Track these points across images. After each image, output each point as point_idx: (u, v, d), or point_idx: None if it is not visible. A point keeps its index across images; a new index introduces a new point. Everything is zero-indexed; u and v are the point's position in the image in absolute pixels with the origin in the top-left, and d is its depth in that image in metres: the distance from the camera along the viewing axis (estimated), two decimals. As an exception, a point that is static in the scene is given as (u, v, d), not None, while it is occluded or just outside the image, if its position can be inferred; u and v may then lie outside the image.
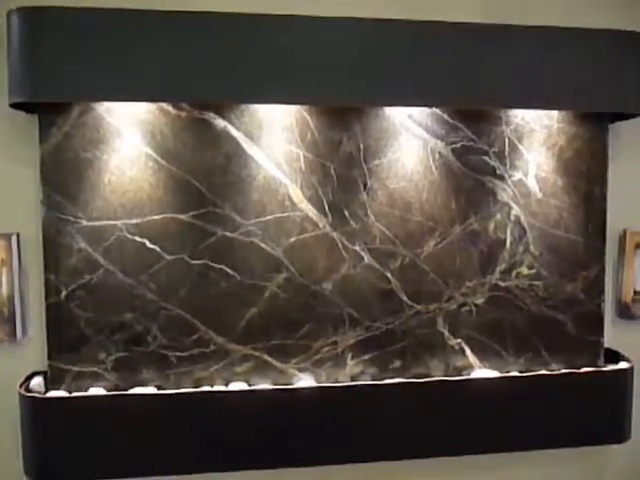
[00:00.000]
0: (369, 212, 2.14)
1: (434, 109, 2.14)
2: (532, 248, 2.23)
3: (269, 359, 2.12)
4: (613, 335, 2.36)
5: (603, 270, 2.28)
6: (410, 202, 2.16)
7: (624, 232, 2.34)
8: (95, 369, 2.04)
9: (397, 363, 2.19)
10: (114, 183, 2.01)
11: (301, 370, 2.14)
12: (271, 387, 2.07)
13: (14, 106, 1.92)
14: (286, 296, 2.11)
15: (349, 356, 2.16)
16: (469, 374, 2.22)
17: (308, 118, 2.09)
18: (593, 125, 2.24)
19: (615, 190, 2.29)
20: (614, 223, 2.31)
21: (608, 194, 2.27)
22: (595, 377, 2.23)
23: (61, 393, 2.00)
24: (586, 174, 2.25)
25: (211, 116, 2.05)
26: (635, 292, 2.35)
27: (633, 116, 2.20)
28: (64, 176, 1.99)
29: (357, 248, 2.14)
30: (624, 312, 2.37)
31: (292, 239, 2.11)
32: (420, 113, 2.14)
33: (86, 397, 1.97)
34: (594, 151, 2.25)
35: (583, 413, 2.21)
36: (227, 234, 2.07)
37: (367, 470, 2.15)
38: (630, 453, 2.39)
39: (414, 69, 2.00)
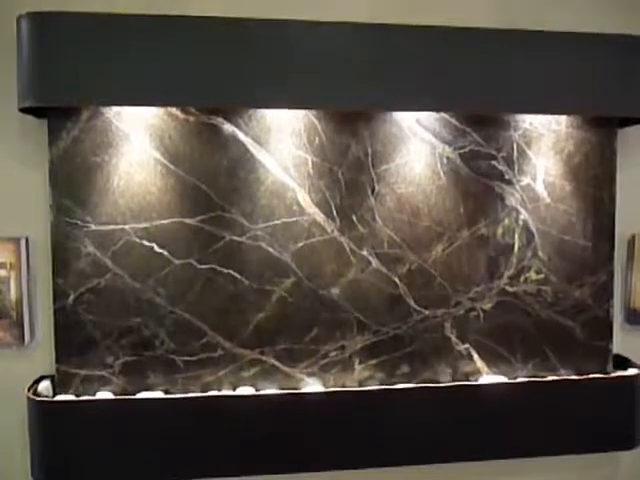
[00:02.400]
0: (377, 217, 2.14)
1: (442, 114, 2.14)
2: (540, 253, 2.22)
3: (277, 364, 2.12)
4: (622, 341, 2.34)
5: (612, 275, 2.27)
6: (418, 207, 2.16)
7: (633, 237, 2.33)
8: (103, 373, 2.04)
9: (405, 368, 2.18)
10: (122, 187, 2.02)
11: (309, 375, 2.13)
12: (279, 392, 2.07)
13: (24, 110, 1.93)
14: (294, 301, 2.11)
15: (357, 361, 2.16)
16: (477, 380, 2.21)
17: (316, 123, 2.09)
18: (602, 130, 2.23)
19: (624, 195, 2.28)
20: (623, 228, 2.30)
21: (617, 199, 2.26)
22: (604, 383, 2.21)
23: (69, 397, 2.00)
24: (594, 179, 2.24)
25: (219, 121, 2.05)
26: (644, 298, 2.35)
27: (642, 121, 2.20)
28: (73, 180, 1.99)
29: (365, 253, 2.14)
30: (633, 318, 2.35)
31: (300, 244, 2.10)
32: (428, 118, 2.14)
33: (94, 401, 1.98)
34: (603, 156, 2.24)
35: (592, 420, 2.19)
36: (235, 238, 2.07)
37: (375, 476, 2.14)
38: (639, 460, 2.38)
39: (423, 74, 1.99)
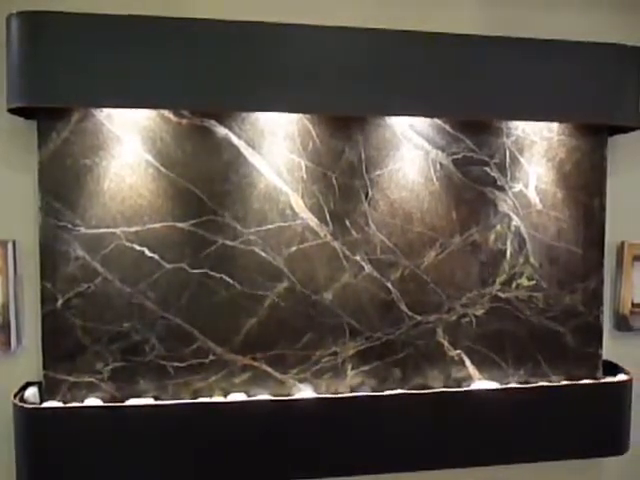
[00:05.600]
0: (370, 222, 2.13)
1: (435, 120, 2.14)
2: (532, 259, 2.23)
3: (268, 369, 2.10)
4: (611, 347, 2.36)
5: (602, 282, 2.29)
6: (411, 212, 2.15)
7: (622, 244, 2.35)
8: (91, 379, 2.00)
9: (397, 374, 2.17)
10: (113, 190, 1.99)
11: (301, 381, 2.12)
12: (270, 398, 2.05)
13: (12, 111, 1.89)
14: (286, 306, 2.09)
15: (349, 367, 2.15)
16: (469, 385, 2.21)
17: (310, 127, 2.08)
18: (592, 138, 2.25)
19: (614, 202, 2.30)
20: (612, 235, 2.32)
21: (607, 206, 2.28)
22: (594, 389, 2.23)
23: (56, 404, 1.96)
24: (585, 186, 2.26)
25: (212, 124, 2.03)
26: (633, 304, 2.36)
27: (631, 129, 2.22)
28: (63, 183, 1.96)
29: (358, 258, 2.13)
30: (622, 324, 2.38)
31: (293, 248, 2.09)
32: (422, 124, 2.14)
33: (82, 408, 1.94)
34: (593, 163, 2.26)
35: (582, 425, 2.20)
36: (227, 243, 2.05)
37: (367, 482, 2.13)
38: (628, 465, 2.39)
39: (417, 80, 2.00)
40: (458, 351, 2.21)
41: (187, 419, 1.97)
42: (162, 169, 2.01)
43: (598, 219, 2.27)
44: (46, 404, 1.95)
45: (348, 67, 1.96)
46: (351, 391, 2.14)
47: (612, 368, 2.32)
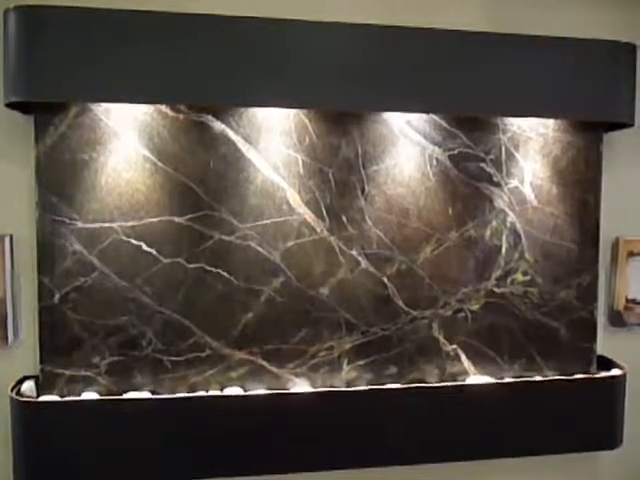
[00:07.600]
0: (366, 217, 2.14)
1: (432, 116, 2.15)
2: (527, 255, 2.25)
3: (265, 364, 2.11)
4: (606, 342, 2.37)
5: (596, 277, 2.30)
6: (407, 208, 2.16)
7: (617, 240, 2.37)
8: (88, 373, 2.01)
9: (393, 369, 2.19)
10: (110, 185, 1.99)
11: (297, 375, 2.13)
12: (266, 392, 2.06)
13: (10, 106, 1.89)
14: (283, 301, 2.10)
15: (345, 361, 2.16)
16: (464, 380, 2.22)
17: (307, 122, 2.09)
18: (588, 134, 2.26)
19: (608, 198, 2.31)
20: (607, 231, 2.34)
21: (602, 202, 2.29)
22: (588, 384, 2.24)
23: (53, 397, 1.96)
24: (580, 182, 2.27)
25: (209, 119, 2.04)
26: (627, 300, 2.38)
27: (626, 126, 2.23)
28: (60, 177, 1.96)
29: (354, 253, 2.14)
30: (616, 320, 2.39)
31: (289, 243, 2.10)
32: (418, 120, 2.15)
33: (79, 402, 1.94)
34: (588, 160, 2.27)
35: (576, 419, 2.22)
36: (224, 238, 2.06)
37: (363, 476, 2.14)
38: (622, 459, 2.41)
39: (414, 75, 2.00)
40: (453, 346, 2.22)
41: (184, 413, 1.97)
42: (159, 164, 2.02)
43: (593, 215, 2.29)
44: (43, 398, 1.96)
45: (345, 63, 1.96)
46: (347, 386, 2.15)
47: (606, 363, 2.33)
